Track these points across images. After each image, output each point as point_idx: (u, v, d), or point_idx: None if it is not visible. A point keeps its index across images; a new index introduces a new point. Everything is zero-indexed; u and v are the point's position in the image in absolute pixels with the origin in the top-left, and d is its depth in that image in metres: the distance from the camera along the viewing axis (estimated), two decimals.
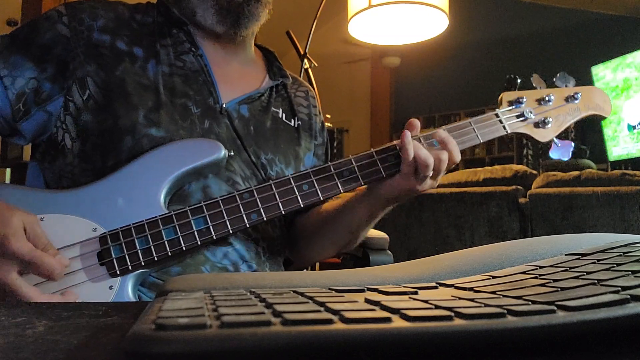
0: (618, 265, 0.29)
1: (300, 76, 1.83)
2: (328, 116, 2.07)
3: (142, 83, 0.76)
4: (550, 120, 0.84)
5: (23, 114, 0.75)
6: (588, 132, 4.55)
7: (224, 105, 0.81)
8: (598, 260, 0.31)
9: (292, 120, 0.90)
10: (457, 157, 0.76)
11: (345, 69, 6.74)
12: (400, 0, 2.08)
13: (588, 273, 0.28)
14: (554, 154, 0.86)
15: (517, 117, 0.83)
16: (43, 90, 0.75)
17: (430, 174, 0.74)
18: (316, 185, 0.73)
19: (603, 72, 4.01)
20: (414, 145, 0.73)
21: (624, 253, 0.32)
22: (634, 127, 3.79)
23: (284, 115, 0.89)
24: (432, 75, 6.12)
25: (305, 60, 1.84)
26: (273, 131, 0.85)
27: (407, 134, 0.73)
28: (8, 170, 4.02)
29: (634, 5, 4.76)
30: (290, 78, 0.94)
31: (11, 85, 0.74)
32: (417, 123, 0.77)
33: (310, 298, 0.24)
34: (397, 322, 0.19)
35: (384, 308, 0.22)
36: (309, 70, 1.85)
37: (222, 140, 0.75)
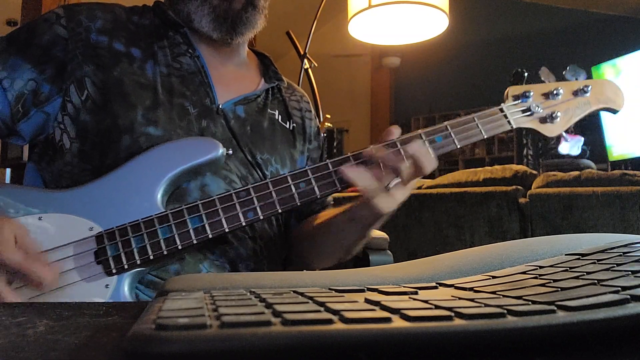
0: (618, 265, 0.29)
1: (300, 76, 1.83)
2: (328, 116, 2.07)
3: (140, 82, 0.77)
4: (559, 114, 0.82)
5: (22, 115, 0.76)
6: (588, 132, 4.55)
7: (220, 106, 0.81)
8: (598, 260, 0.31)
9: (288, 123, 0.91)
10: (427, 168, 0.70)
11: (345, 69, 6.74)
12: (400, 0, 2.08)
13: (588, 273, 0.28)
14: (563, 149, 0.84)
15: (523, 111, 0.82)
16: (42, 92, 0.75)
17: (395, 181, 0.70)
18: (313, 183, 0.72)
19: (603, 72, 4.01)
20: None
21: (624, 253, 0.32)
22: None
23: (280, 117, 0.90)
24: (432, 75, 6.12)
25: (305, 60, 1.85)
26: (270, 131, 0.86)
27: (343, 169, 0.70)
28: (8, 170, 4.02)
29: (634, 5, 4.76)
30: (285, 82, 0.95)
31: (10, 87, 0.74)
32: (395, 131, 0.75)
33: (310, 298, 0.24)
34: (397, 322, 0.19)
35: (384, 308, 0.22)
36: (309, 70, 1.85)
37: (218, 140, 0.76)
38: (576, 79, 0.85)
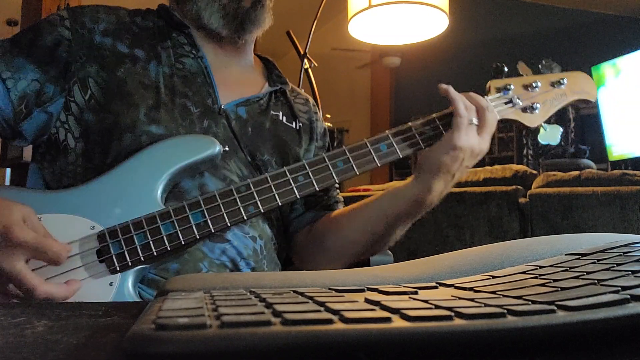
0: (618, 265, 0.29)
1: (300, 76, 1.83)
2: (328, 116, 2.07)
3: (143, 82, 0.78)
4: (538, 105, 0.86)
5: (25, 115, 0.76)
6: (588, 132, 4.55)
7: (222, 107, 0.81)
8: (598, 260, 0.31)
9: (294, 123, 0.91)
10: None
11: (345, 69, 6.73)
12: (400, 0, 2.08)
13: (588, 273, 0.28)
14: (542, 139, 0.88)
15: (506, 103, 0.85)
16: (45, 92, 0.76)
17: (476, 120, 0.77)
18: (311, 176, 0.74)
19: (603, 72, 4.01)
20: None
21: (624, 253, 0.32)
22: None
23: (284, 118, 0.90)
24: (432, 75, 6.11)
25: (305, 60, 1.84)
26: (272, 133, 0.86)
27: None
28: (8, 170, 4.02)
29: (634, 5, 4.76)
30: (289, 85, 0.95)
31: (14, 87, 0.75)
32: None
33: (310, 298, 0.24)
34: (397, 322, 0.19)
35: (384, 308, 0.22)
36: (309, 70, 1.84)
37: (219, 140, 0.76)
38: (551, 72, 0.89)
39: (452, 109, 0.78)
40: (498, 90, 0.86)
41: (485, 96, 0.84)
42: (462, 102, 0.78)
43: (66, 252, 0.63)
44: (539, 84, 0.87)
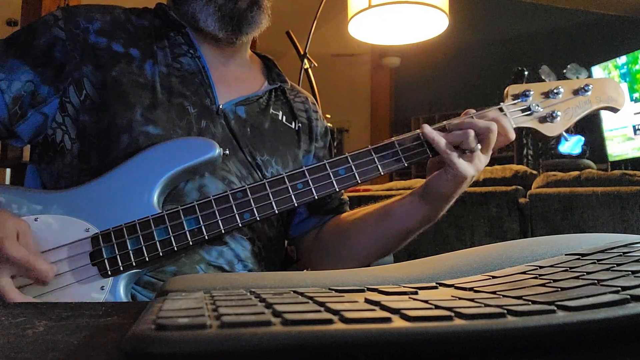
0: (618, 265, 0.29)
1: (300, 76, 1.83)
2: (328, 116, 2.07)
3: (139, 82, 0.77)
4: (559, 114, 0.81)
5: (19, 116, 0.76)
6: (588, 132, 4.55)
7: (220, 106, 0.81)
8: (598, 260, 0.31)
9: (293, 123, 0.90)
10: (510, 134, 0.77)
11: (345, 69, 6.73)
12: (400, 0, 2.08)
13: (588, 273, 0.28)
14: (563, 148, 0.84)
15: (523, 111, 0.81)
16: (39, 93, 0.76)
17: (473, 145, 0.73)
18: (311, 184, 0.72)
19: (603, 72, 4.01)
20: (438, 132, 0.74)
21: (624, 253, 0.32)
22: (635, 127, 3.79)
23: (284, 117, 0.89)
24: (432, 75, 6.12)
25: (305, 60, 1.84)
26: (272, 132, 0.85)
27: (426, 127, 0.75)
28: (8, 171, 4.02)
29: (634, 5, 4.76)
30: (289, 84, 0.95)
31: (7, 88, 0.74)
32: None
33: (310, 298, 0.24)
34: (397, 322, 0.19)
35: (384, 308, 0.22)
36: (309, 70, 1.84)
37: (217, 140, 0.75)
38: (577, 77, 0.84)
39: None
40: (515, 97, 0.81)
41: (502, 102, 0.81)
42: (448, 148, 0.73)
43: (53, 273, 0.63)
44: (561, 90, 0.81)
